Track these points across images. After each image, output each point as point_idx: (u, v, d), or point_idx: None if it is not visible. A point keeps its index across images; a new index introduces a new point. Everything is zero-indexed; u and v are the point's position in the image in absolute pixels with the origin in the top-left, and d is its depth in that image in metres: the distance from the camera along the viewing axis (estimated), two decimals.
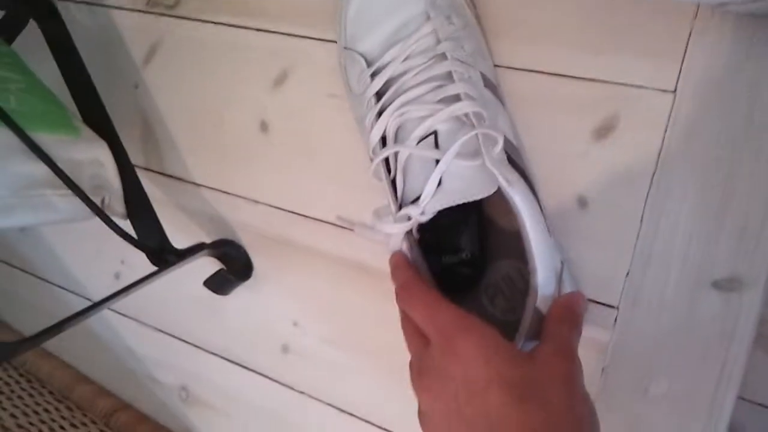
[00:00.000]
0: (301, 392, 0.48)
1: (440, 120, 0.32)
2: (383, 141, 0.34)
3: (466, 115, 0.32)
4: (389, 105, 0.33)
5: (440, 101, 0.32)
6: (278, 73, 0.46)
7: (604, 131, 0.36)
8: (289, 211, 0.46)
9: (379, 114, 0.34)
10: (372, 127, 0.34)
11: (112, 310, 0.57)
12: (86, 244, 0.58)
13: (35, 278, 0.63)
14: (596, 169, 0.36)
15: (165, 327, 0.55)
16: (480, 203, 0.33)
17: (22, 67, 0.46)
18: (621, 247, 0.36)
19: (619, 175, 0.36)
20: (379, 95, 0.34)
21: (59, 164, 0.39)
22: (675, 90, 0.34)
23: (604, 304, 0.36)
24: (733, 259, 0.33)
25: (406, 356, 0.32)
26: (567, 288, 0.33)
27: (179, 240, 0.45)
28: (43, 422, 0.55)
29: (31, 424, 0.54)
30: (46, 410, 0.57)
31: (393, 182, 0.33)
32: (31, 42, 0.48)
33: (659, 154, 0.34)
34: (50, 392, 0.60)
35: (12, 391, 0.58)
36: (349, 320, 0.46)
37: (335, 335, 0.47)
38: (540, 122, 0.37)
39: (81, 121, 0.46)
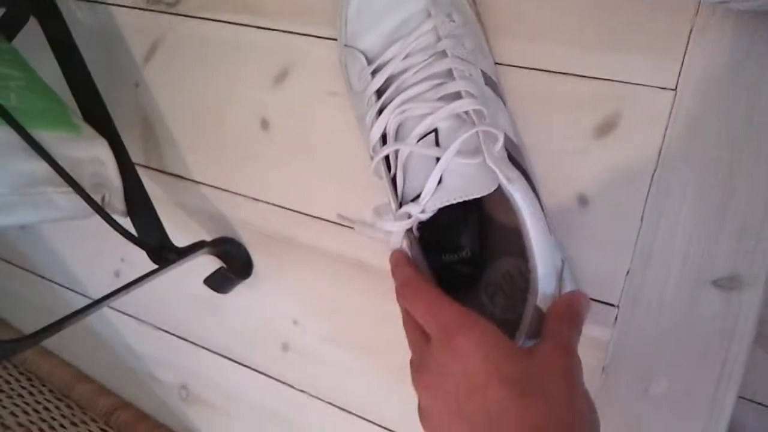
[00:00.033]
0: (301, 390, 0.48)
1: (441, 118, 0.32)
2: (384, 139, 0.34)
3: (467, 112, 0.32)
4: (390, 103, 0.33)
5: (441, 99, 0.32)
6: (279, 71, 0.46)
7: (604, 129, 0.36)
8: (290, 209, 0.46)
9: (380, 112, 0.34)
10: (372, 125, 0.34)
11: (112, 308, 0.57)
12: (86, 242, 0.58)
13: (35, 276, 0.63)
14: (597, 168, 0.36)
15: (165, 325, 0.55)
16: (480, 201, 0.33)
17: (23, 64, 0.46)
18: (621, 246, 0.36)
19: (620, 173, 0.36)
20: (379, 93, 0.34)
21: (60, 162, 0.39)
22: (676, 88, 0.34)
23: (604, 303, 0.36)
24: (733, 258, 0.33)
25: (407, 354, 0.32)
26: (567, 286, 0.33)
27: (179, 238, 0.45)
28: (43, 420, 0.55)
29: (31, 422, 0.54)
30: (46, 408, 0.57)
31: (393, 180, 0.33)
32: (32, 39, 0.48)
33: (660, 153, 0.34)
34: (50, 390, 0.60)
35: (12, 390, 0.58)
36: (350, 318, 0.46)
37: (335, 333, 0.47)
38: (540, 120, 0.37)
39: (81, 118, 0.46)
